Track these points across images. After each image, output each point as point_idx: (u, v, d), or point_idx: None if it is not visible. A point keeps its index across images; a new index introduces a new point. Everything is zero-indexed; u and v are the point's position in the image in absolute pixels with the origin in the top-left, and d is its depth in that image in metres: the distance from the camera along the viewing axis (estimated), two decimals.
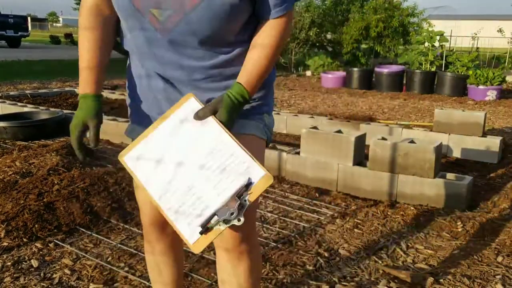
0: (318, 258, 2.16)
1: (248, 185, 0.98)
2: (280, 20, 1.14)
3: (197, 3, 1.05)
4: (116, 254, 2.16)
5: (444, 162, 3.95)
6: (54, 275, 1.95)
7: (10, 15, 19.99)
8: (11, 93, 6.56)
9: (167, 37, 1.12)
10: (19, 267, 2.01)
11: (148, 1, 1.09)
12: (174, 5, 1.07)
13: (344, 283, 1.95)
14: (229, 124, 1.08)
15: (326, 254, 2.20)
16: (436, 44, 9.62)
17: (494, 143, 4.04)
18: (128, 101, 1.36)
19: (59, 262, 2.07)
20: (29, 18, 22.13)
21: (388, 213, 2.75)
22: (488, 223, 2.56)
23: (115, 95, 6.57)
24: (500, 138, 4.11)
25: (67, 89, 7.10)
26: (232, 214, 0.96)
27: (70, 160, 3.31)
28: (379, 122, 5.39)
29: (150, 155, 1.07)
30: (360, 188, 3.13)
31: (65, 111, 4.85)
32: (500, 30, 13.96)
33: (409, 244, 2.34)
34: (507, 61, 12.48)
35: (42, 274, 1.96)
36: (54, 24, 73.47)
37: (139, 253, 2.16)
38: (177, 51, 1.14)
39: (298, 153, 3.41)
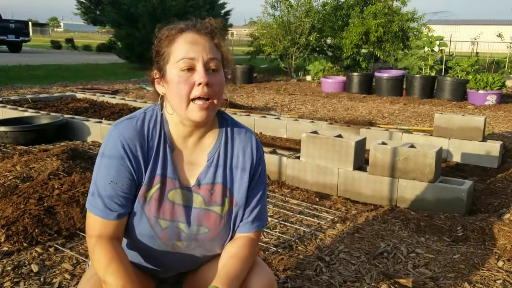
0: (319, 262, 2.16)
1: None
2: (258, 233, 1.32)
3: (228, 218, 1.27)
4: None
5: (444, 167, 3.95)
6: (54, 280, 1.95)
7: (11, 20, 20.07)
8: (12, 97, 6.58)
9: (191, 252, 1.28)
10: (19, 272, 2.01)
11: (175, 236, 1.24)
12: (213, 224, 1.25)
13: None
14: None
15: (326, 259, 2.20)
16: (436, 49, 9.64)
17: (494, 147, 4.04)
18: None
19: (59, 267, 2.06)
20: (30, 23, 22.22)
21: (389, 217, 2.75)
22: (489, 228, 2.56)
23: (115, 100, 6.59)
24: (500, 142, 4.11)
25: (68, 93, 7.11)
26: None
27: (70, 164, 3.32)
28: (379, 126, 5.39)
29: None
30: (361, 192, 3.13)
31: (65, 116, 4.86)
32: (499, 35, 13.99)
33: (409, 248, 2.33)
34: (506, 65, 12.49)
35: (42, 279, 1.95)
36: (55, 29, 73.66)
37: None
38: (193, 252, 1.29)
39: (298, 157, 3.42)
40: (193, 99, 1.14)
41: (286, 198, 3.10)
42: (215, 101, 1.17)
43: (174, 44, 1.15)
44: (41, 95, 6.70)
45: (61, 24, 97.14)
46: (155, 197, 1.21)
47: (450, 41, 13.47)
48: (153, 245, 1.25)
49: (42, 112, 5.13)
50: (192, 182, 1.25)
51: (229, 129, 1.29)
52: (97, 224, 1.18)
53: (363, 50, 12.26)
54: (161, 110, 1.24)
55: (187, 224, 1.24)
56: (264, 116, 5.48)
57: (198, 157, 1.26)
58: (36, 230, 2.31)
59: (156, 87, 1.22)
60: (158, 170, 1.21)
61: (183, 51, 1.14)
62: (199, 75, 1.13)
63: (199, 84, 1.13)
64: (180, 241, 1.25)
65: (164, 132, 1.22)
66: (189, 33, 1.15)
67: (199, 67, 1.13)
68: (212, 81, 1.14)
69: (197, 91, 1.13)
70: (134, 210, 1.21)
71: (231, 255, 1.24)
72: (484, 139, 4.17)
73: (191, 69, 1.14)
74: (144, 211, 1.21)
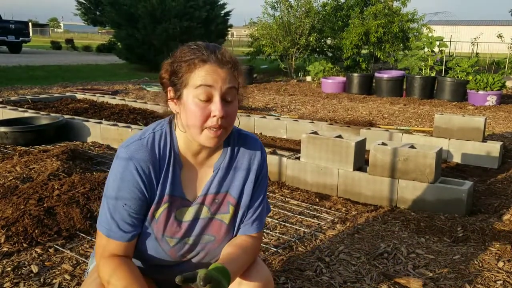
0: (319, 263, 2.16)
1: None
2: (259, 234, 1.34)
3: (232, 224, 1.29)
4: None
5: (444, 167, 3.95)
6: (54, 281, 1.95)
7: (12, 21, 20.09)
8: (12, 98, 6.58)
9: (199, 261, 1.29)
10: (19, 273, 2.00)
11: (183, 251, 1.26)
12: (218, 231, 1.28)
13: None
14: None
15: (326, 259, 2.20)
16: (436, 49, 9.65)
17: (494, 148, 4.04)
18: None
19: (59, 268, 2.06)
20: (30, 24, 22.22)
21: (389, 218, 2.75)
22: (489, 228, 2.56)
23: (115, 100, 6.59)
24: (500, 143, 4.11)
25: (67, 94, 7.11)
26: None
27: (70, 165, 3.32)
28: (379, 127, 5.39)
29: None
30: (361, 193, 3.13)
31: (65, 116, 4.86)
32: (499, 36, 14.00)
33: (409, 249, 2.33)
34: (506, 66, 12.50)
35: (42, 280, 1.95)
36: (55, 30, 73.60)
37: None
38: (201, 261, 1.31)
39: (298, 158, 3.41)
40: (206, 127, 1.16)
41: (286, 199, 3.10)
42: (227, 129, 1.19)
43: (195, 72, 1.14)
44: (41, 96, 6.70)
45: (61, 24, 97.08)
46: (163, 216, 1.22)
47: (450, 41, 13.48)
48: (162, 260, 1.26)
49: (42, 112, 5.13)
50: (198, 194, 1.27)
51: (235, 137, 1.31)
52: (107, 243, 1.18)
53: (363, 51, 12.26)
54: (171, 127, 1.25)
55: (193, 237, 1.26)
56: (264, 117, 5.48)
57: (206, 170, 1.28)
58: (36, 231, 2.31)
59: (170, 104, 1.22)
60: (167, 190, 1.22)
61: (203, 80, 1.13)
62: (216, 107, 1.13)
63: (214, 116, 1.14)
64: (188, 253, 1.27)
65: (174, 150, 1.23)
66: (211, 65, 1.14)
67: (216, 98, 1.14)
68: (228, 112, 1.16)
69: (211, 122, 1.14)
70: (143, 228, 1.23)
71: (233, 245, 1.27)
72: (484, 139, 4.17)
73: (208, 98, 1.14)
74: (152, 229, 1.22)
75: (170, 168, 1.22)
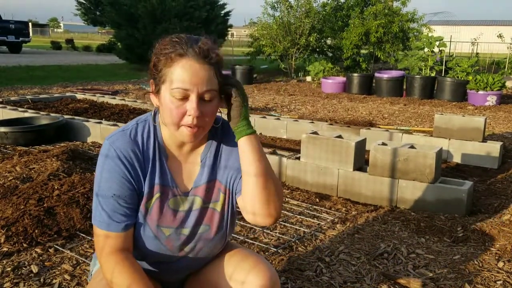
0: (319, 263, 2.16)
1: None
2: None
3: (227, 209, 1.29)
4: None
5: (444, 167, 3.95)
6: (54, 281, 1.95)
7: (12, 21, 20.10)
8: (12, 98, 6.58)
9: (197, 254, 1.30)
10: (19, 273, 2.00)
11: (180, 242, 1.26)
12: (212, 220, 1.28)
13: None
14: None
15: (326, 259, 2.20)
16: (436, 49, 9.65)
17: (494, 148, 4.04)
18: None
19: (59, 268, 2.06)
20: (30, 24, 22.23)
21: (389, 218, 2.75)
22: (489, 228, 2.56)
23: (115, 100, 6.59)
24: (500, 143, 4.11)
25: (67, 94, 7.11)
26: None
27: (70, 165, 3.32)
28: (379, 127, 5.39)
29: None
30: (361, 193, 3.13)
31: (65, 117, 4.86)
32: (500, 36, 14.00)
33: (409, 249, 2.33)
34: (506, 66, 12.50)
35: (41, 280, 1.95)
36: (55, 30, 73.61)
37: None
38: (199, 254, 1.31)
39: (298, 158, 3.41)
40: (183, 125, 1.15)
41: (286, 199, 3.10)
42: (205, 128, 1.18)
43: (172, 67, 1.12)
44: (41, 96, 6.70)
45: (61, 24, 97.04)
46: (156, 207, 1.23)
47: (450, 41, 13.48)
48: (160, 253, 1.26)
49: (42, 112, 5.13)
50: (190, 186, 1.27)
51: (220, 128, 1.30)
52: (105, 238, 1.18)
53: (363, 51, 12.26)
54: (154, 119, 1.25)
55: (189, 227, 1.26)
56: (264, 117, 5.48)
57: (193, 161, 1.28)
58: (36, 231, 2.31)
59: (151, 97, 1.22)
60: (157, 180, 1.22)
61: (180, 80, 1.11)
62: (191, 107, 1.12)
63: (189, 115, 1.13)
64: (185, 245, 1.27)
65: (158, 142, 1.24)
66: (188, 60, 1.11)
67: (193, 97, 1.12)
68: (204, 111, 1.14)
69: (187, 120, 1.13)
70: (137, 221, 1.23)
71: None
72: (484, 139, 4.17)
73: (184, 98, 1.12)
74: (147, 221, 1.23)
75: (156, 159, 1.23)
